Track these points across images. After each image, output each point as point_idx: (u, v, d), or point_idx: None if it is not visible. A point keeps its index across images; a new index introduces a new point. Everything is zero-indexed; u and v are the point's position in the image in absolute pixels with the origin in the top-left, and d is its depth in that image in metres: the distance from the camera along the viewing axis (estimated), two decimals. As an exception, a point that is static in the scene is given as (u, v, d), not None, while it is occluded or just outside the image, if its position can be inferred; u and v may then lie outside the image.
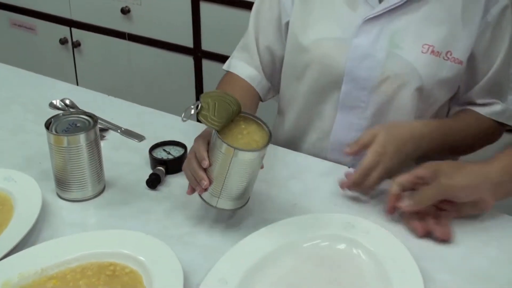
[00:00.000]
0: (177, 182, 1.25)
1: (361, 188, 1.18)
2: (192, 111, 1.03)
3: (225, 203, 1.09)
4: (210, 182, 1.07)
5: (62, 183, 1.20)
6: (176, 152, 1.31)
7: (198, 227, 1.13)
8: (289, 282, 1.00)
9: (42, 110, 1.48)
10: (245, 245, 1.06)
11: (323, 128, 1.40)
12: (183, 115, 1.04)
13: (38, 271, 1.01)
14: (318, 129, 1.41)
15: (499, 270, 1.05)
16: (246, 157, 1.03)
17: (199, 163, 1.07)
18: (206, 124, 1.02)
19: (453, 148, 1.32)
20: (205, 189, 1.08)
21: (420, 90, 1.29)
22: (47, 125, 1.18)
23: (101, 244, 1.06)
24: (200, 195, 1.11)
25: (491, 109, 1.35)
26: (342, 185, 1.19)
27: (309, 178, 1.27)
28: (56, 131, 1.16)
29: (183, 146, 1.32)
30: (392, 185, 1.13)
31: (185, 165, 1.12)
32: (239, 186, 1.07)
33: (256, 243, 1.06)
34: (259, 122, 1.08)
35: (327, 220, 1.11)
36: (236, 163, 1.03)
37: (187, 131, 1.35)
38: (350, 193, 1.22)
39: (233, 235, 1.11)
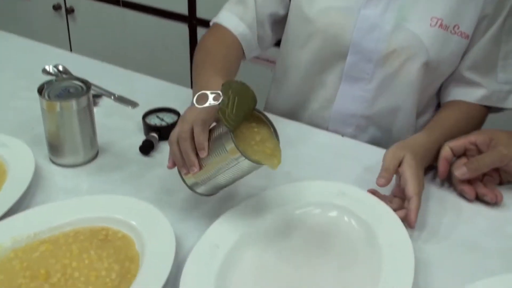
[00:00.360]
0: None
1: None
2: (210, 102, 0.96)
3: (202, 189, 1.05)
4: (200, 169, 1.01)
5: (55, 149, 1.20)
6: (169, 118, 1.31)
7: (191, 193, 1.14)
8: (280, 247, 1.01)
9: (35, 76, 1.47)
10: (238, 211, 1.06)
11: (326, 97, 1.39)
12: (194, 99, 0.97)
13: (31, 235, 1.01)
14: (320, 99, 1.40)
15: (487, 240, 1.06)
16: (251, 165, 0.98)
17: (194, 147, 1.00)
18: (222, 121, 0.94)
19: None
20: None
21: (426, 64, 1.28)
22: (40, 91, 1.17)
23: (93, 209, 1.07)
24: (180, 173, 1.05)
25: (479, 94, 1.32)
26: (413, 226, 1.06)
27: (304, 147, 1.28)
28: (48, 97, 1.16)
29: (176, 112, 1.32)
30: (444, 148, 1.15)
31: (173, 138, 1.03)
32: (227, 182, 1.03)
33: (249, 209, 1.06)
34: (269, 124, 1.01)
35: (320, 187, 1.12)
36: (237, 166, 0.98)
37: (180, 98, 1.36)
38: (344, 162, 1.23)
39: (226, 201, 1.11)
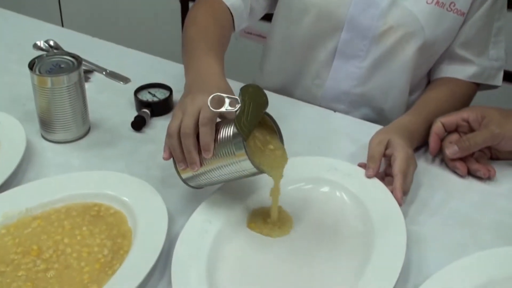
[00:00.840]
0: (162, 125, 1.25)
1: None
2: (226, 108, 0.92)
3: (196, 183, 1.02)
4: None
5: (46, 125, 1.20)
6: (161, 94, 1.30)
7: (183, 169, 1.13)
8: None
9: (26, 51, 1.46)
10: (230, 187, 1.06)
11: (318, 74, 1.38)
12: (210, 100, 0.92)
13: (23, 211, 1.01)
14: (312, 75, 1.39)
15: (478, 213, 1.06)
16: (255, 173, 0.95)
17: (197, 144, 0.96)
18: (236, 128, 0.90)
19: None
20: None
21: (421, 42, 1.27)
22: (31, 66, 1.16)
23: (85, 185, 1.06)
24: (175, 165, 1.00)
25: (470, 72, 1.32)
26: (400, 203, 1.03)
27: (296, 123, 1.27)
28: (39, 72, 1.15)
29: (168, 88, 1.31)
30: (435, 123, 1.15)
31: (173, 131, 0.97)
32: (223, 181, 1.00)
33: (241, 186, 1.06)
34: (277, 130, 0.98)
35: (311, 163, 1.11)
36: (240, 170, 0.95)
37: (172, 74, 1.35)
38: (336, 137, 1.23)
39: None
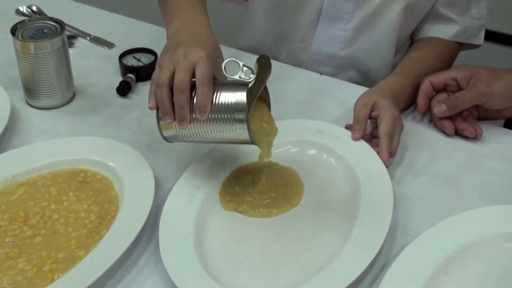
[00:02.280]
0: (147, 90, 1.22)
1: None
2: (240, 75, 0.90)
3: (176, 140, 0.98)
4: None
5: (30, 91, 1.18)
6: (146, 59, 1.29)
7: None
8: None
9: (8, 17, 1.43)
10: (216, 152, 1.05)
11: (303, 38, 1.35)
12: (225, 65, 0.91)
13: (9, 177, 1.00)
14: (297, 39, 1.36)
15: (465, 174, 1.06)
16: (246, 141, 0.92)
17: (189, 100, 0.91)
18: (247, 99, 0.88)
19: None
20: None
21: (406, 2, 1.25)
22: (13, 32, 1.14)
23: (71, 151, 1.05)
24: (159, 118, 0.95)
25: (453, 31, 1.30)
26: (387, 165, 1.02)
27: (281, 86, 1.26)
28: (22, 37, 1.13)
29: (153, 53, 1.29)
30: (424, 82, 1.14)
31: (163, 81, 0.92)
32: (204, 141, 0.96)
33: (227, 151, 1.05)
34: (267, 101, 0.98)
35: (297, 126, 1.11)
36: (231, 137, 0.92)
37: (157, 38, 1.33)
38: (322, 100, 1.22)
39: (204, 144, 1.10)
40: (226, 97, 0.91)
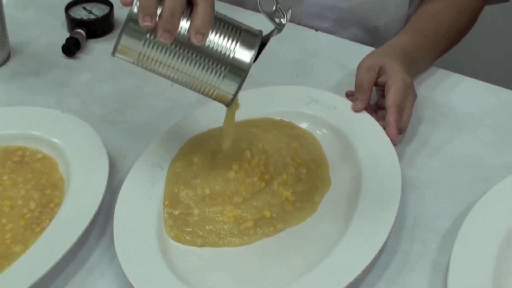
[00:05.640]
0: (101, 48, 1.25)
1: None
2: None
3: (129, 52, 0.87)
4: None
5: (-45, 49, 1.19)
6: (99, 11, 1.30)
7: (129, 102, 1.13)
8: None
9: None
10: (184, 124, 1.06)
11: None
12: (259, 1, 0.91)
13: None
14: None
15: (491, 154, 1.07)
16: (219, 95, 0.91)
17: (182, 9, 0.85)
18: (259, 48, 0.91)
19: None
20: (153, 35, 0.85)
21: None
22: None
23: (6, 125, 1.06)
24: (128, 19, 0.85)
25: None
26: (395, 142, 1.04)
27: (268, 45, 1.27)
28: None
29: (108, 3, 1.30)
30: None
31: None
32: (172, 74, 0.90)
33: (200, 121, 1.06)
34: None
35: (287, 94, 1.12)
36: (210, 82, 0.89)
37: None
38: (317, 62, 1.23)
39: (171, 112, 1.12)
40: (231, 35, 0.89)
